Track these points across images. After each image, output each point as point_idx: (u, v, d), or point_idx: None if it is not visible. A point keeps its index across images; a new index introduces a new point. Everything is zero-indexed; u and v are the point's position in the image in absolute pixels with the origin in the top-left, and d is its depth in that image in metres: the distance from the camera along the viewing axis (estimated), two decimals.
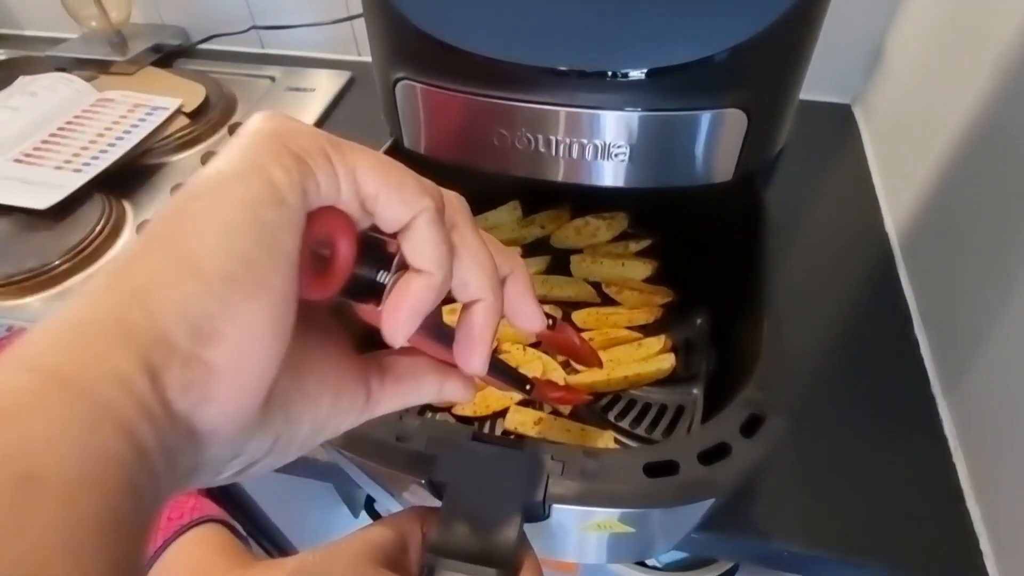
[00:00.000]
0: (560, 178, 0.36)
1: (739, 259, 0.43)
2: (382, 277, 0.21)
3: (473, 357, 0.23)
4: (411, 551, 0.27)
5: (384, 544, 0.26)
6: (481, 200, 0.55)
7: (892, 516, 0.41)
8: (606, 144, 0.34)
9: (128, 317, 0.15)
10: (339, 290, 0.20)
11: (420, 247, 0.20)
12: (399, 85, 0.36)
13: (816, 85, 0.75)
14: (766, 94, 0.33)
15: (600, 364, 0.36)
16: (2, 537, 0.11)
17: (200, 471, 0.17)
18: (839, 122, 0.75)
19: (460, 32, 0.32)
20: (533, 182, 0.37)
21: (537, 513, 0.29)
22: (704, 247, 0.49)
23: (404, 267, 0.20)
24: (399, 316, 0.20)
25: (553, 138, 0.34)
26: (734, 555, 0.43)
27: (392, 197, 0.19)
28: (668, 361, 0.45)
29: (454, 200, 0.22)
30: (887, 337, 0.52)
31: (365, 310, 0.21)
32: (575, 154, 0.34)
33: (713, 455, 0.29)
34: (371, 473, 0.34)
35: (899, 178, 0.62)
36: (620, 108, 0.32)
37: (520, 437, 0.40)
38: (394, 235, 0.20)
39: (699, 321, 0.51)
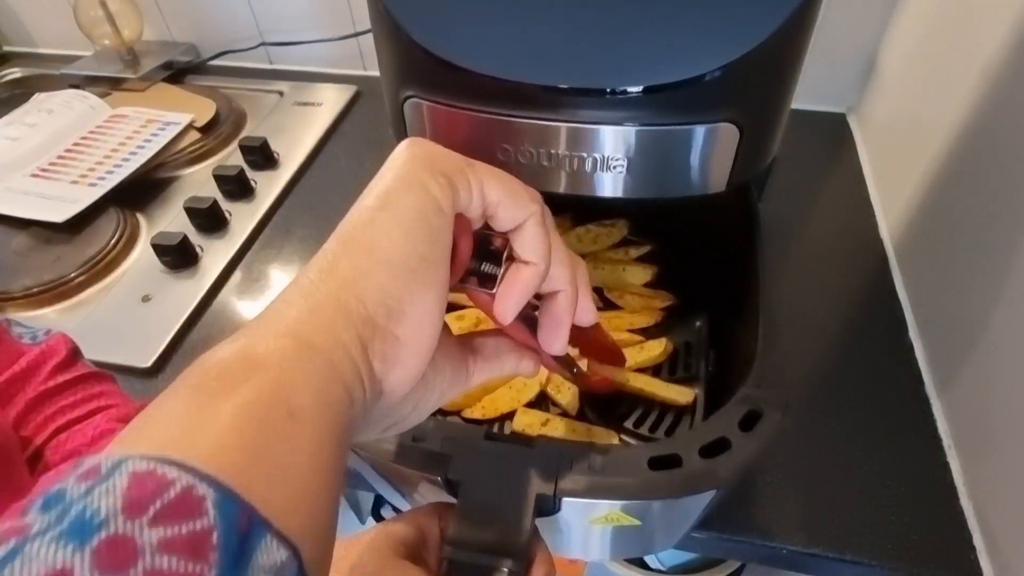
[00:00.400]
0: (562, 190, 0.38)
1: (736, 265, 0.44)
2: (493, 269, 0.25)
3: (557, 339, 0.28)
4: (429, 544, 0.29)
5: (404, 537, 0.28)
6: None
7: (888, 514, 0.42)
8: (605, 157, 0.35)
9: (345, 300, 0.20)
10: (460, 278, 0.25)
11: (530, 243, 0.24)
12: (407, 103, 0.38)
13: (811, 94, 0.76)
14: (757, 109, 0.34)
15: (624, 362, 0.39)
16: (280, 450, 0.17)
17: (374, 424, 0.23)
18: (834, 131, 0.77)
19: (466, 53, 0.34)
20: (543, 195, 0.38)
21: (548, 507, 0.30)
22: (702, 253, 0.51)
23: (511, 259, 0.25)
24: (510, 299, 0.25)
25: (554, 152, 0.36)
26: (735, 554, 0.45)
27: (510, 204, 0.24)
28: (659, 347, 0.47)
29: (546, 208, 0.26)
30: (882, 341, 0.53)
31: (476, 294, 0.26)
32: (575, 167, 0.36)
33: (714, 449, 0.30)
34: (386, 473, 0.35)
35: (893, 185, 0.64)
36: (618, 123, 0.34)
37: (529, 437, 0.42)
38: (504, 234, 0.25)
39: (698, 324, 0.53)
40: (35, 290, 0.61)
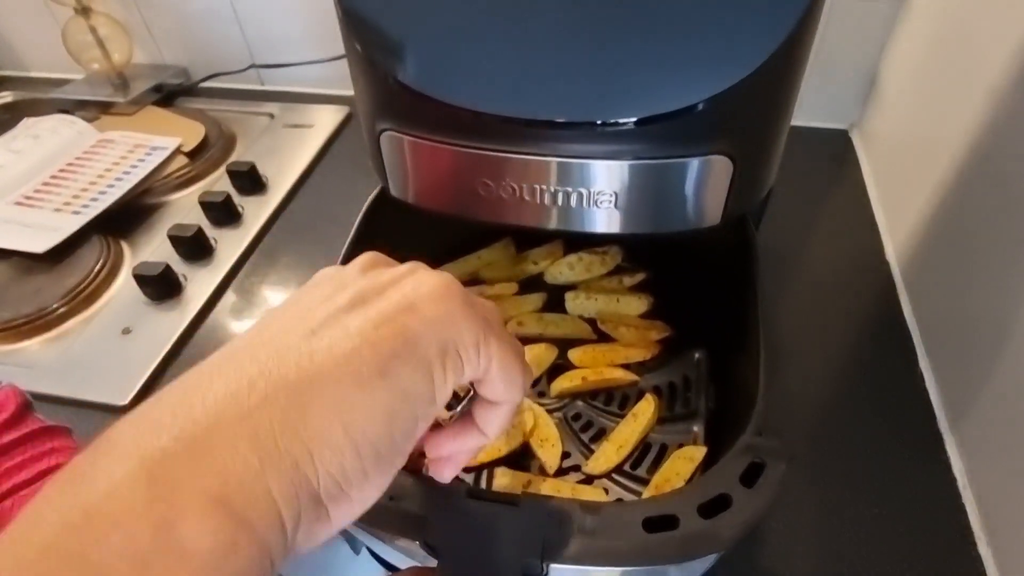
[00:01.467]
0: (548, 226, 0.36)
1: (735, 295, 0.42)
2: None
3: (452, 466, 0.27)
4: None
5: None
6: (474, 237, 0.55)
7: (900, 563, 0.40)
8: (591, 192, 0.33)
9: (303, 470, 0.16)
10: None
11: (495, 421, 0.24)
12: (384, 136, 0.36)
13: (812, 111, 0.74)
14: (750, 140, 0.32)
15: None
16: None
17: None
18: (837, 148, 0.74)
19: (442, 85, 0.32)
20: (526, 230, 0.36)
21: (534, 572, 0.28)
22: (699, 283, 0.48)
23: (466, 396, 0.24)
24: (456, 464, 0.26)
25: (538, 187, 0.34)
26: None
27: (501, 389, 0.22)
28: (649, 408, 0.44)
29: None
30: (891, 372, 0.51)
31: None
32: (561, 202, 0.34)
33: (714, 507, 0.28)
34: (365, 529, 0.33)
35: (899, 204, 0.61)
36: (605, 157, 0.32)
37: (514, 495, 0.40)
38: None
39: (697, 357, 0.50)
40: (14, 323, 0.59)
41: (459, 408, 0.24)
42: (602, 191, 0.33)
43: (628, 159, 0.32)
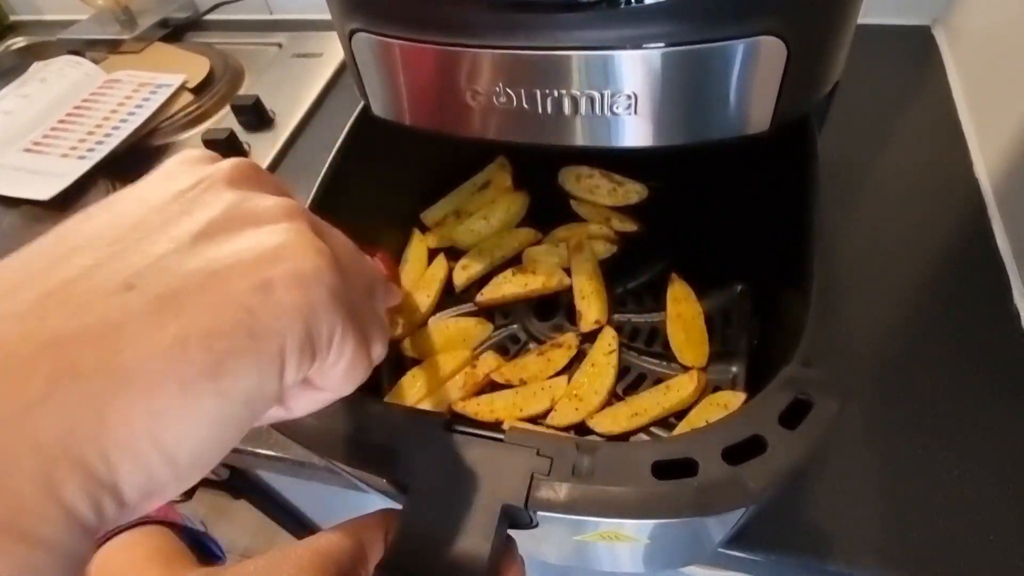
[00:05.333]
0: (554, 141, 0.29)
1: (786, 217, 0.35)
2: None
3: None
4: (370, 564, 0.23)
5: (338, 555, 0.23)
6: (473, 162, 0.49)
7: (985, 531, 0.34)
8: (605, 95, 0.27)
9: (101, 479, 0.13)
10: None
11: (308, 408, 0.19)
12: (356, 38, 0.30)
13: (887, 5, 0.63)
14: (809, 15, 0.25)
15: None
16: None
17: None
18: (916, 48, 0.63)
19: None
20: (524, 147, 0.30)
21: (522, 519, 0.24)
22: (745, 202, 0.41)
23: None
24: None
25: (539, 92, 0.27)
26: None
27: (339, 381, 0.18)
28: (691, 383, 0.38)
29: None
30: (978, 309, 0.43)
31: None
32: (567, 110, 0.28)
33: (743, 452, 0.23)
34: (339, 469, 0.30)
35: (992, 113, 0.51)
36: (618, 47, 0.25)
37: (499, 427, 0.35)
38: None
39: (739, 289, 0.44)
40: None
41: None
42: (619, 92, 0.27)
43: (651, 46, 0.25)
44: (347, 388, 0.19)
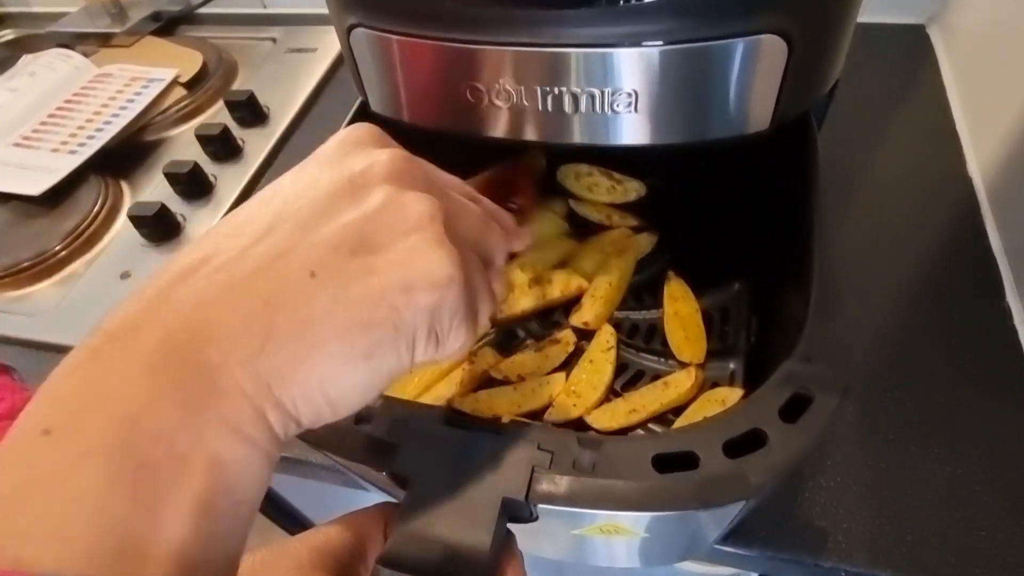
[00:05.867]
0: (553, 139, 0.29)
1: (786, 214, 0.35)
2: None
3: None
4: (368, 558, 0.24)
5: (336, 549, 0.23)
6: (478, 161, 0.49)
7: (976, 529, 0.34)
8: (605, 93, 0.27)
9: (289, 411, 0.18)
10: None
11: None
12: (354, 33, 0.30)
13: (883, 4, 0.64)
14: (811, 13, 0.25)
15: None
16: None
17: None
18: (911, 47, 0.64)
19: None
20: (526, 145, 0.30)
21: (522, 513, 0.24)
22: (744, 201, 0.41)
23: None
24: None
25: (539, 89, 0.27)
26: (771, 572, 0.37)
27: (444, 356, 0.21)
28: (688, 379, 0.38)
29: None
30: (972, 305, 0.43)
31: None
32: (568, 108, 0.28)
33: (744, 445, 0.23)
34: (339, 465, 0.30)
35: (985, 111, 0.52)
36: (618, 44, 0.25)
37: (499, 421, 0.35)
38: None
39: (737, 286, 0.44)
40: (16, 268, 0.57)
41: None
42: (619, 90, 0.26)
43: (651, 44, 0.25)
44: (456, 355, 0.22)
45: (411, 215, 0.20)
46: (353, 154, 0.21)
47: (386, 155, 0.21)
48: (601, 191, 0.48)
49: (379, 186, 0.20)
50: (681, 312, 0.42)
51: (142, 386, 0.16)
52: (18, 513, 0.14)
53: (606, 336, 0.40)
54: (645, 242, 0.46)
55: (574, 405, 0.37)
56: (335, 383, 0.18)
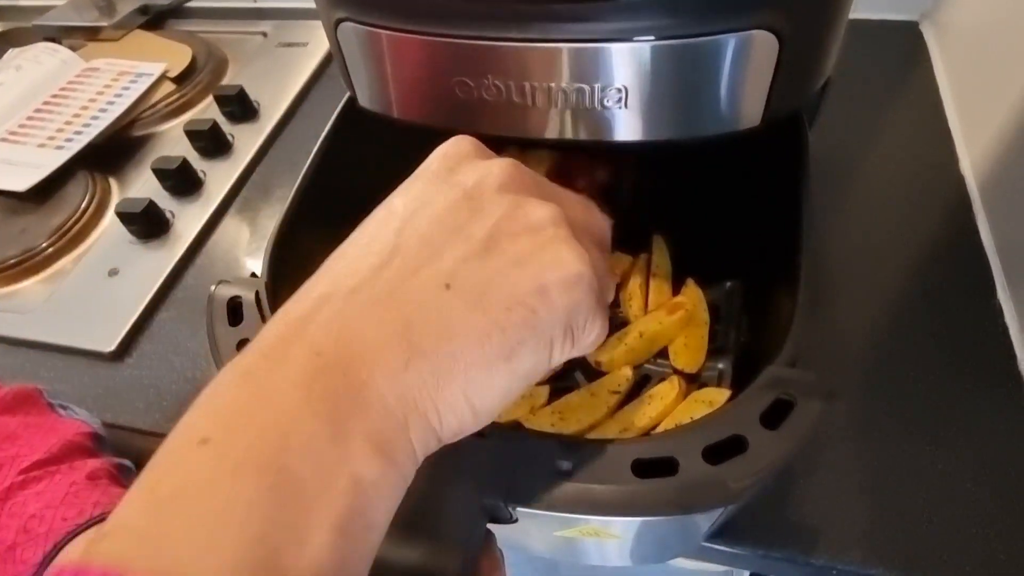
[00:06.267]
0: (544, 135, 0.29)
1: (777, 212, 0.35)
2: None
3: None
4: None
5: None
6: None
7: (969, 526, 0.34)
8: (595, 88, 0.26)
9: (433, 425, 0.18)
10: None
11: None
12: (342, 27, 0.29)
13: (876, 0, 0.63)
14: (803, 8, 0.25)
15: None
16: None
17: None
18: (904, 43, 0.64)
19: None
20: (514, 142, 0.30)
21: (502, 516, 0.24)
22: (735, 198, 0.41)
23: None
24: None
25: (529, 84, 0.27)
26: (767, 572, 0.37)
27: (580, 354, 0.22)
28: (672, 391, 0.37)
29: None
30: (963, 303, 0.43)
31: None
32: (558, 103, 0.27)
33: (724, 451, 0.23)
34: None
35: (978, 109, 0.52)
36: (608, 39, 0.25)
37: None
38: None
39: (728, 285, 0.44)
40: (5, 264, 0.56)
41: None
42: (609, 86, 0.26)
43: (642, 40, 0.24)
44: (590, 348, 0.22)
45: (535, 220, 0.20)
46: (461, 169, 0.21)
47: (497, 166, 0.21)
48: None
49: (497, 196, 0.20)
50: (692, 319, 0.41)
51: (293, 402, 0.16)
52: (176, 516, 0.14)
53: (620, 380, 0.38)
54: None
55: (552, 425, 0.37)
56: (478, 388, 0.18)
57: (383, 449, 0.17)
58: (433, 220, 0.20)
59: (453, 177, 0.21)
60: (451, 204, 0.20)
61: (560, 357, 0.20)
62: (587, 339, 0.21)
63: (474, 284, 0.19)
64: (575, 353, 0.21)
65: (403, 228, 0.20)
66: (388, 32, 0.28)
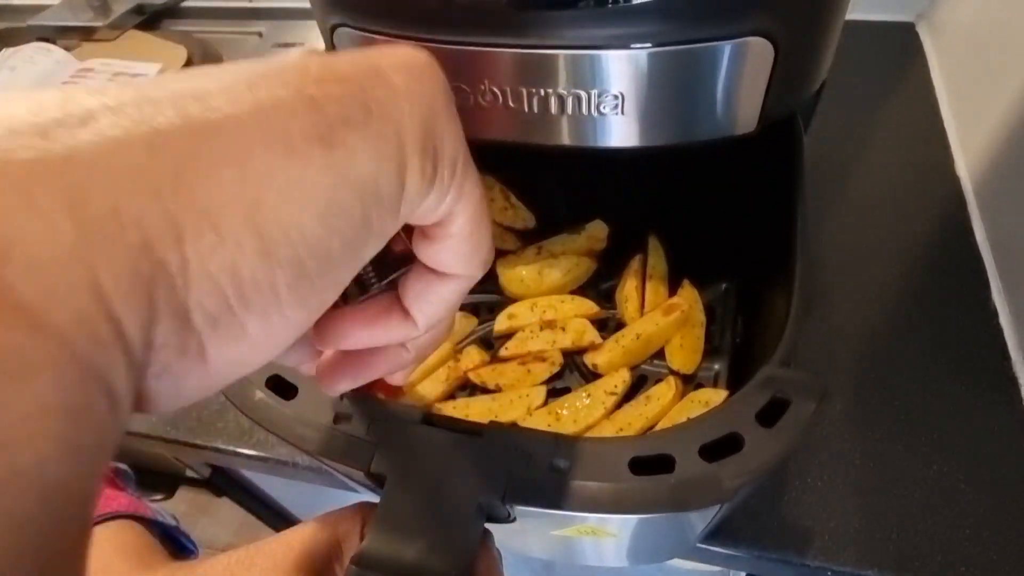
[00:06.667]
0: (541, 140, 0.29)
1: (772, 214, 0.35)
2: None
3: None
4: (346, 557, 0.23)
5: (313, 548, 0.23)
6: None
7: (962, 528, 0.34)
8: (592, 95, 0.26)
9: (159, 255, 0.09)
10: None
11: (435, 309, 0.18)
12: (338, 33, 0.29)
13: (871, 0, 0.64)
14: (798, 15, 0.25)
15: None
16: None
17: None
18: (900, 44, 0.64)
19: None
20: (510, 148, 0.30)
21: (499, 515, 0.24)
22: (731, 201, 0.41)
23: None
24: (358, 372, 0.20)
25: (526, 90, 0.27)
26: (761, 573, 0.38)
27: (466, 248, 0.16)
28: (669, 391, 0.37)
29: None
30: (959, 304, 0.44)
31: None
32: (555, 109, 0.27)
33: (720, 449, 0.23)
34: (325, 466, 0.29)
35: (973, 110, 0.52)
36: (605, 46, 0.25)
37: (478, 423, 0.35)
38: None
39: (724, 286, 0.44)
40: None
41: (388, 279, 0.18)
42: (606, 92, 0.26)
43: (638, 46, 0.24)
44: (475, 266, 0.17)
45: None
46: None
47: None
48: (494, 209, 0.45)
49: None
50: (688, 320, 0.41)
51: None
52: None
53: (617, 381, 0.38)
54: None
55: (548, 425, 0.37)
56: (270, 188, 0.10)
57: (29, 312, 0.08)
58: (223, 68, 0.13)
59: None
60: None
61: (416, 186, 0.13)
62: (458, 201, 0.15)
63: (269, 67, 0.12)
64: (442, 230, 0.16)
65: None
66: (384, 38, 0.28)
